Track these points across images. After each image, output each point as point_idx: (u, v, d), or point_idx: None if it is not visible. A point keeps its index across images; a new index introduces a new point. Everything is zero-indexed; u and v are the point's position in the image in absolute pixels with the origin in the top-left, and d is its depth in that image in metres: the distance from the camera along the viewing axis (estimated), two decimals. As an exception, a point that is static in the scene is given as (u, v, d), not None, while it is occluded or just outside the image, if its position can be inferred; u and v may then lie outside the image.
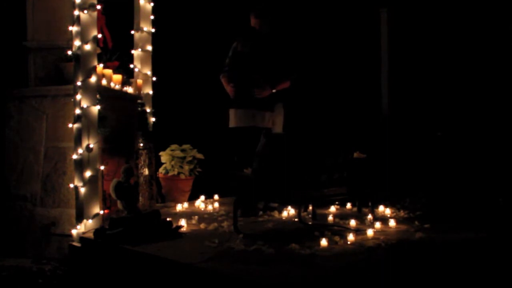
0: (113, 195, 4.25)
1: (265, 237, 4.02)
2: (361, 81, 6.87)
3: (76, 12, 4.36)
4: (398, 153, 6.53)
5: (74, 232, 4.26)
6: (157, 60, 5.97)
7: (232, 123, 5.19)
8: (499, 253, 3.80)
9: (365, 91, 6.87)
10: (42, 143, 4.69)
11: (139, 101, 5.59)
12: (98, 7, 4.60)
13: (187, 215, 4.88)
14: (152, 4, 5.89)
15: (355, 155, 4.79)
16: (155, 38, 5.92)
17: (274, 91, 5.12)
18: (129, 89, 5.38)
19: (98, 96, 4.40)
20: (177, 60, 6.68)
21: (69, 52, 4.67)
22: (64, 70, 4.82)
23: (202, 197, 5.72)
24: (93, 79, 4.35)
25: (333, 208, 5.25)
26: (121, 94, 5.18)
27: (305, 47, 6.41)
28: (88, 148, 4.27)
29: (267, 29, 5.16)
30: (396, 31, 6.79)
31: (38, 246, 4.63)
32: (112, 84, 5.03)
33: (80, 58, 4.33)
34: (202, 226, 4.46)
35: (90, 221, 4.27)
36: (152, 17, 5.89)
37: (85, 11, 4.33)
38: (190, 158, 5.77)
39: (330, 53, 6.83)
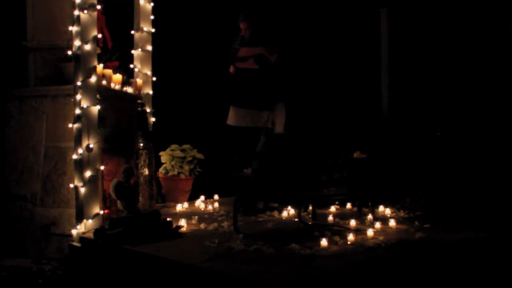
0: (113, 195, 4.25)
1: (265, 237, 4.02)
2: (361, 81, 6.87)
3: (76, 12, 4.35)
4: (398, 153, 6.53)
5: (74, 232, 4.26)
6: (157, 60, 5.97)
7: (230, 121, 5.19)
8: (499, 253, 3.80)
9: (365, 91, 6.87)
10: (42, 143, 4.69)
11: (139, 101, 5.59)
12: (98, 7, 4.60)
13: (187, 215, 4.88)
14: (152, 4, 5.89)
15: (355, 155, 4.79)
16: (155, 38, 5.92)
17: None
18: (129, 89, 5.38)
19: (98, 96, 4.40)
20: (177, 60, 6.68)
21: (69, 52, 4.67)
22: (64, 70, 4.82)
23: (202, 197, 5.72)
24: (93, 79, 4.35)
25: (333, 208, 5.25)
26: (121, 94, 5.17)
27: (304, 47, 6.41)
28: (88, 148, 4.27)
29: (251, 33, 5.15)
30: (396, 31, 6.79)
31: (38, 246, 4.63)
32: (112, 84, 5.02)
33: (80, 58, 4.33)
34: (202, 226, 4.46)
35: (90, 221, 4.27)
36: (152, 17, 5.89)
37: (85, 11, 4.33)
38: (190, 158, 5.77)
39: (330, 53, 6.83)
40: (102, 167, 4.45)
